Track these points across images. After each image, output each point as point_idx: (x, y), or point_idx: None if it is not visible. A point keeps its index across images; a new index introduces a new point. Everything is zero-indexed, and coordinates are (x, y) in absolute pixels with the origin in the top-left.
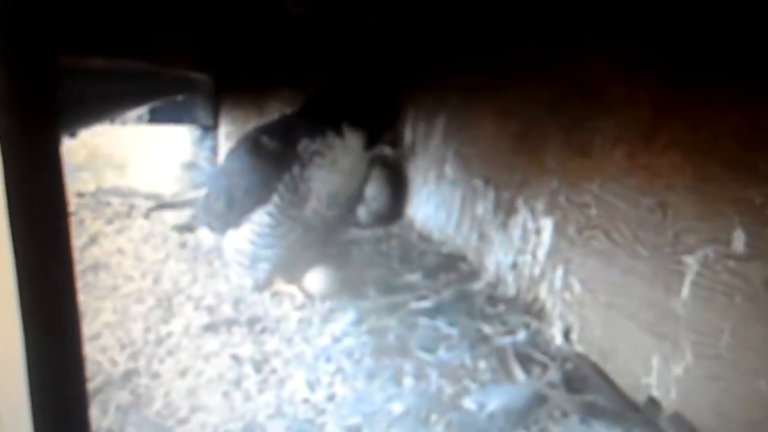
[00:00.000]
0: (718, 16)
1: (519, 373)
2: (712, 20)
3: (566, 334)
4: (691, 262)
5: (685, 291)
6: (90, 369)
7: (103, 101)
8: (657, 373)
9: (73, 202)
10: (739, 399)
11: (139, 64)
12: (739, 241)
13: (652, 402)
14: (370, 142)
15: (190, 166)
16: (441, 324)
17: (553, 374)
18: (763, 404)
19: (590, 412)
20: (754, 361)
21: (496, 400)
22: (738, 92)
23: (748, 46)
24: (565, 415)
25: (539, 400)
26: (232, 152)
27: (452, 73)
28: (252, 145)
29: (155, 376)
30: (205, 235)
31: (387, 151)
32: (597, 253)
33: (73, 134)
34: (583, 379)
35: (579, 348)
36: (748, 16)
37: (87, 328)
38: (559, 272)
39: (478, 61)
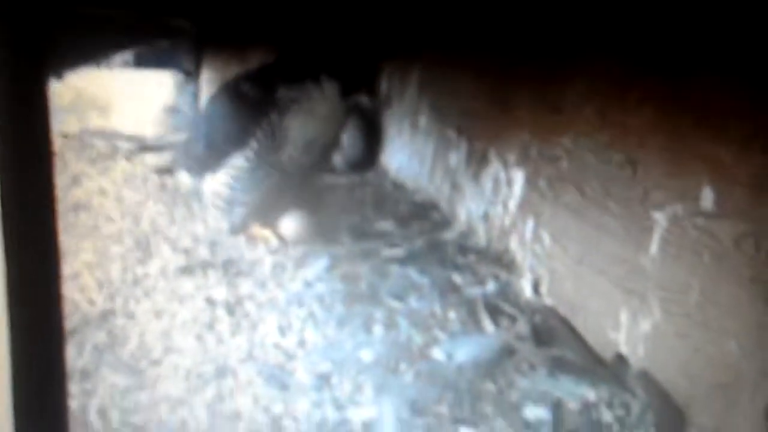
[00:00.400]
0: None
1: (488, 325)
2: None
3: (536, 287)
4: (660, 218)
5: (654, 247)
6: (68, 308)
7: (89, 45)
8: (625, 329)
9: (57, 143)
10: (707, 359)
11: (124, 11)
12: (707, 199)
13: (620, 358)
14: (347, 91)
15: (172, 110)
16: (412, 272)
17: (522, 327)
18: (732, 366)
19: (557, 366)
20: (723, 321)
21: (465, 351)
22: (712, 54)
23: (720, 11)
24: (532, 368)
25: (507, 352)
26: (213, 98)
27: (429, 26)
28: (232, 91)
29: (131, 316)
30: (184, 178)
31: (363, 100)
32: (567, 207)
33: (59, 76)
34: (551, 333)
35: (548, 301)
36: None
37: (67, 268)
38: (530, 224)
39: (455, 16)
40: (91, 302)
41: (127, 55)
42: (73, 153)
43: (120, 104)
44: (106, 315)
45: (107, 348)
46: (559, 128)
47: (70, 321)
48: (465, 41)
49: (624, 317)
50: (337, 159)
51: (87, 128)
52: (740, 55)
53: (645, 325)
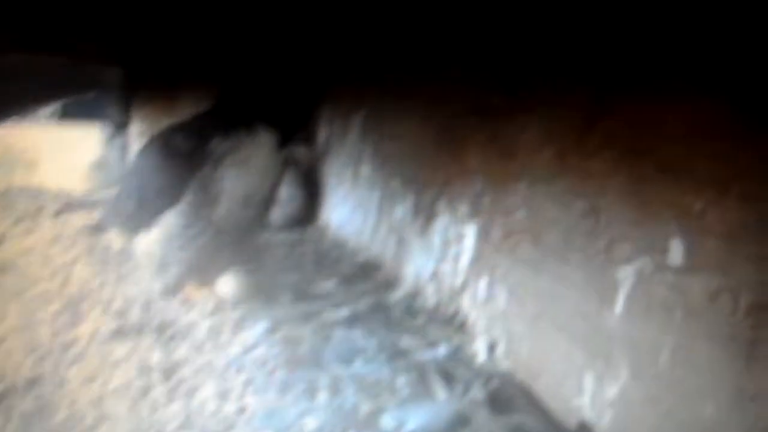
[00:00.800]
0: (656, 10)
1: (440, 391)
2: (650, 17)
3: (491, 349)
4: (625, 272)
5: (620, 303)
6: None
7: (15, 98)
8: (589, 393)
9: None
10: (681, 425)
11: (52, 59)
12: (677, 251)
13: (584, 426)
14: (284, 140)
15: (101, 165)
16: (357, 335)
17: (477, 393)
18: (708, 431)
19: None
20: (698, 383)
21: (416, 420)
22: (677, 91)
23: (689, 43)
24: None
25: (461, 420)
26: (144, 151)
27: (372, 68)
28: (163, 144)
29: (61, 383)
30: (115, 237)
31: (301, 150)
32: (525, 261)
33: None
34: (508, 399)
35: (505, 364)
36: (687, 15)
37: None
38: (484, 281)
39: (399, 56)
40: (18, 368)
41: (53, 107)
42: None
43: (46, 159)
44: (35, 381)
45: (36, 416)
46: (514, 175)
47: None
48: (410, 82)
49: (588, 381)
50: (275, 214)
51: (11, 185)
52: (711, 91)
53: (611, 389)
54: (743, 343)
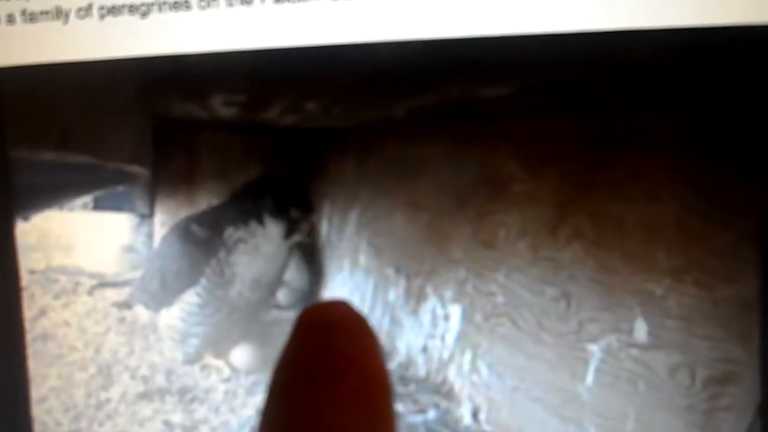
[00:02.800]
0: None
1: None
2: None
3: (474, 415)
4: (594, 349)
5: (590, 377)
6: (37, 428)
7: (53, 190)
8: None
9: (25, 279)
10: None
11: (84, 157)
12: (641, 330)
13: None
14: (289, 231)
15: (129, 249)
16: None
17: None
18: None
19: None
20: None
21: None
22: (639, 187)
23: (645, 139)
24: None
25: None
26: (165, 238)
27: (365, 165)
28: (183, 232)
29: None
30: (141, 312)
31: (304, 239)
32: (503, 339)
33: (26, 218)
34: None
35: (486, 428)
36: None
37: (35, 392)
38: (468, 356)
39: (388, 155)
40: (58, 424)
41: (87, 198)
42: (39, 288)
43: (81, 243)
44: None
45: None
46: (493, 264)
47: None
48: (401, 182)
49: None
50: (282, 294)
51: (51, 265)
52: (668, 189)
53: None
54: (699, 412)
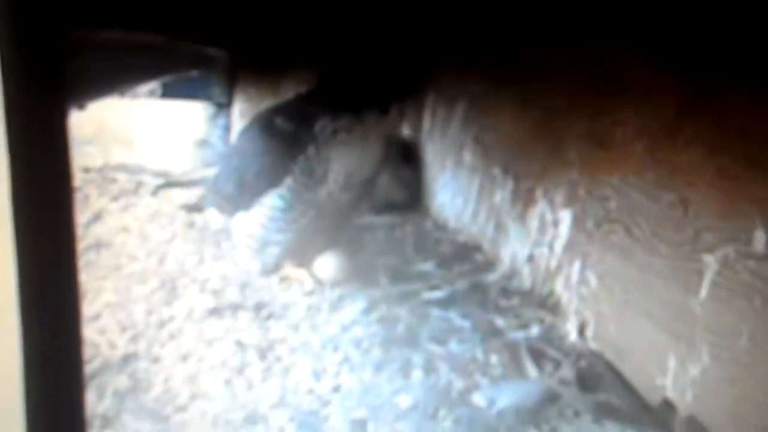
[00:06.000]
0: (750, 10)
1: (531, 369)
2: (744, 15)
3: (581, 331)
4: (710, 261)
5: (704, 291)
6: (88, 351)
7: (114, 74)
8: (672, 374)
9: (78, 178)
10: (756, 406)
11: (153, 37)
12: (760, 241)
13: (667, 404)
14: (389, 123)
15: (202, 143)
16: (453, 315)
17: (566, 371)
18: None
19: (603, 412)
20: None
21: (507, 397)
22: (764, 90)
23: None
24: (577, 414)
25: (551, 398)
26: (245, 132)
27: (475, 58)
28: (266, 125)
29: (155, 360)
30: (213, 216)
31: (405, 133)
32: (615, 248)
33: (81, 106)
34: (596, 378)
35: (593, 345)
36: None
37: (87, 309)
38: (576, 266)
39: (501, 48)
40: (113, 345)
41: (154, 84)
42: (94, 188)
43: (145, 137)
44: (129, 358)
45: (130, 393)
46: (607, 167)
47: (90, 365)
48: (511, 73)
49: (671, 362)
50: (376, 196)
51: (110, 162)
52: None
53: (693, 371)
54: None
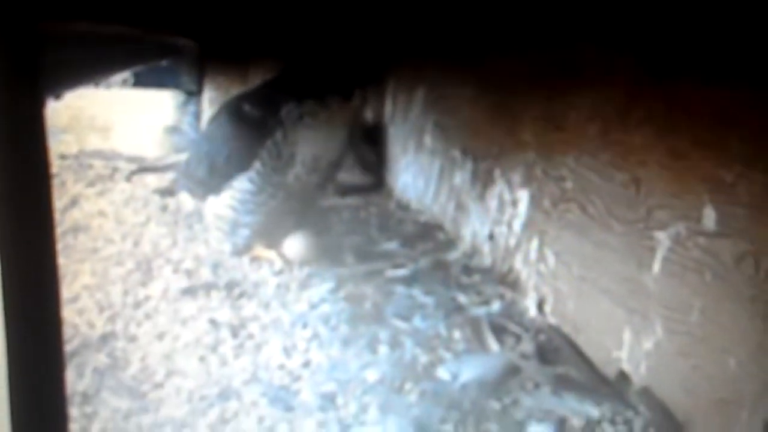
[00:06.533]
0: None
1: (493, 344)
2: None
3: (540, 306)
4: (662, 237)
5: (657, 266)
6: (67, 331)
7: (88, 64)
8: (628, 347)
9: (55, 164)
10: (708, 377)
11: (124, 29)
12: (709, 218)
13: (623, 376)
14: (352, 109)
15: (173, 130)
16: (417, 293)
17: (527, 345)
18: (731, 383)
19: (562, 384)
20: (723, 339)
21: (470, 371)
22: (712, 72)
23: (723, 26)
24: (537, 386)
25: (512, 371)
26: (214, 118)
27: (433, 45)
28: (234, 111)
29: (132, 339)
30: (185, 200)
31: (368, 118)
32: (571, 226)
33: (57, 96)
34: (555, 351)
35: (552, 320)
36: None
37: (65, 291)
38: (534, 244)
39: (460, 35)
40: (91, 325)
41: (127, 74)
42: (71, 174)
43: (119, 125)
44: (107, 338)
45: (108, 371)
46: (563, 148)
47: (69, 344)
48: (468, 59)
49: (627, 335)
50: (341, 179)
51: (85, 149)
52: (744, 73)
53: (647, 344)
54: (763, 303)
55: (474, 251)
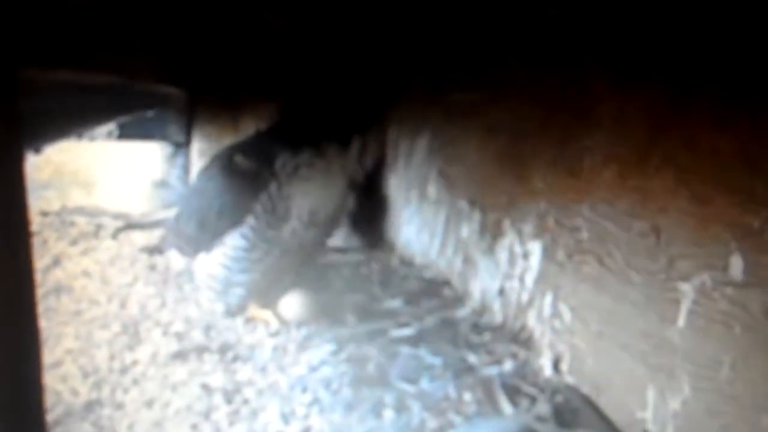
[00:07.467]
0: (718, 29)
1: (506, 406)
2: (712, 34)
3: (556, 365)
4: (686, 289)
5: (681, 320)
6: (50, 399)
7: (70, 116)
8: (653, 406)
9: (36, 222)
10: None
11: (107, 77)
12: (736, 267)
13: None
14: (350, 157)
15: (161, 184)
16: (423, 353)
17: (543, 407)
18: None
19: None
20: (755, 396)
21: None
22: (737, 111)
23: (748, 62)
24: None
25: None
26: (205, 171)
27: (437, 89)
28: (225, 163)
29: (119, 406)
30: (175, 258)
31: (368, 168)
32: (588, 279)
33: (37, 150)
34: (574, 413)
35: (569, 379)
36: (750, 32)
37: (47, 355)
38: (548, 299)
39: (465, 77)
40: (75, 392)
41: (111, 126)
42: (53, 232)
43: (104, 179)
44: (92, 405)
45: None
46: (576, 195)
47: (52, 413)
48: (477, 105)
49: (651, 394)
50: (340, 233)
51: (68, 205)
52: None
53: (674, 403)
54: None
55: (483, 308)
